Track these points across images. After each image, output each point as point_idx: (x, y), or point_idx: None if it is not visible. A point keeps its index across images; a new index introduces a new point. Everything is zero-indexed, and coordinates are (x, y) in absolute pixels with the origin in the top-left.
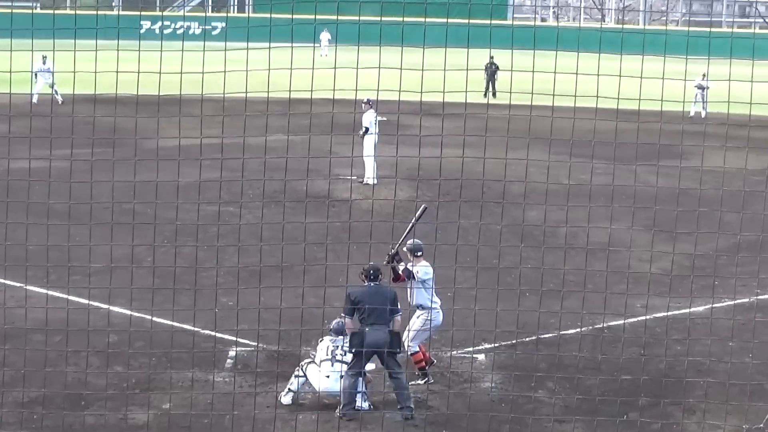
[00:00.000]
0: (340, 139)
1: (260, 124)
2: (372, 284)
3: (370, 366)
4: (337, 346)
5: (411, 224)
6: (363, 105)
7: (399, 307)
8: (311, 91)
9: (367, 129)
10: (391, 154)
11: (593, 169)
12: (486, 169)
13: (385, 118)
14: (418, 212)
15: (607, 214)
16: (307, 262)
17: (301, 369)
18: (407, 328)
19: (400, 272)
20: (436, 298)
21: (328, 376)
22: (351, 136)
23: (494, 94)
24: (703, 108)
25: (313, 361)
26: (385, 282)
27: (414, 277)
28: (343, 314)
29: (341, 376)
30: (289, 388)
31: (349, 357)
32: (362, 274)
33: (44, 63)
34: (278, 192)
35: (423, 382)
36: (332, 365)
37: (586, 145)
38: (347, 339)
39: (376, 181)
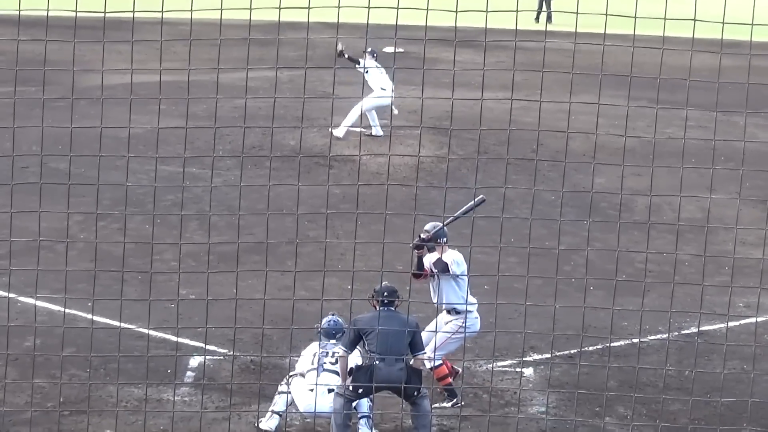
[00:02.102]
0: (343, 76)
1: (236, 56)
2: (385, 309)
3: None
4: (326, 353)
5: (461, 212)
6: (365, 55)
7: (423, 342)
8: (308, 8)
9: (357, 60)
10: (412, 96)
11: (685, 119)
12: (539, 119)
13: (401, 50)
14: (474, 201)
15: (702, 180)
16: (297, 242)
17: (287, 383)
18: (434, 330)
19: (426, 264)
20: (471, 298)
21: (311, 390)
22: (360, 73)
23: (549, 18)
24: None
25: (301, 373)
26: (402, 310)
27: (448, 271)
28: (342, 347)
29: (330, 391)
30: (272, 410)
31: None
32: (372, 298)
33: None
34: (258, 147)
35: (450, 404)
36: (318, 375)
37: (675, 87)
38: (344, 338)
39: (381, 132)
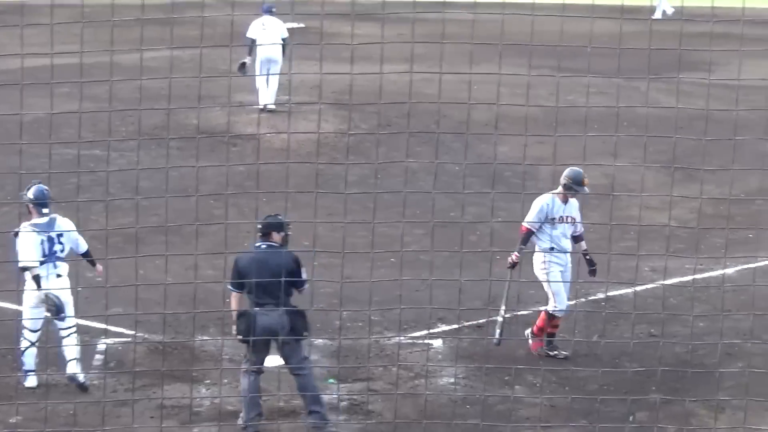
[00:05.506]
0: (242, 53)
1: (136, 37)
2: (261, 246)
3: (274, 361)
4: (54, 242)
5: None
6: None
7: (304, 276)
8: None
9: (244, 63)
10: (313, 71)
11: (588, 86)
12: (441, 91)
13: (302, 25)
14: None
15: (605, 147)
16: (202, 222)
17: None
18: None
19: None
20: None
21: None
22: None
23: None
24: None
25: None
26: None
27: None
28: (230, 287)
29: (59, 276)
30: (25, 371)
31: (64, 270)
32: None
33: None
34: (160, 128)
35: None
36: (39, 290)
37: (575, 54)
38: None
39: (273, 106)
